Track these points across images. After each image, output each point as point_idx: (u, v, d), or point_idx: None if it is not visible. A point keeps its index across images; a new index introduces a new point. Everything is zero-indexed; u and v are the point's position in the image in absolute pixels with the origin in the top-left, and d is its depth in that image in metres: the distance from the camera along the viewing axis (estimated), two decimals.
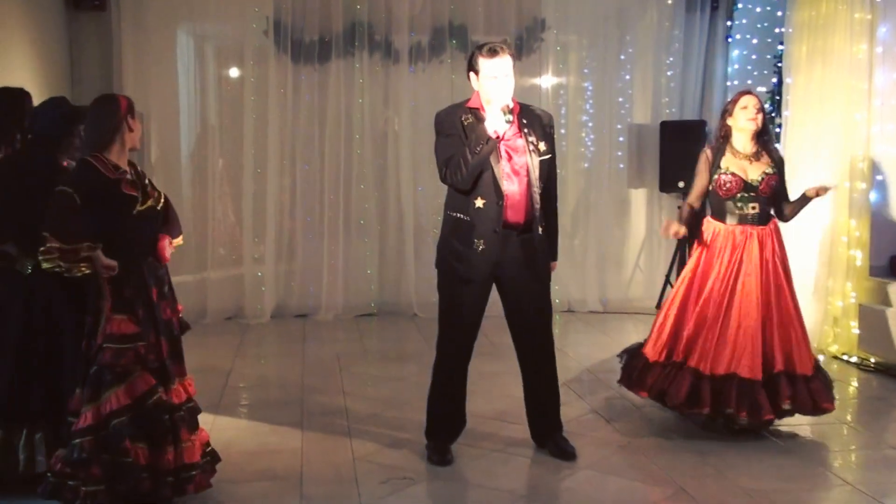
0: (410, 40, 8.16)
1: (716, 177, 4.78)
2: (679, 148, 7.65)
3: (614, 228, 8.69)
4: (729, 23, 8.39)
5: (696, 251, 4.89)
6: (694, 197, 4.93)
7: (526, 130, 4.19)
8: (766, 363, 4.64)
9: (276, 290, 8.18)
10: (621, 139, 8.57)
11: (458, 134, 4.18)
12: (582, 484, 4.16)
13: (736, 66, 8.28)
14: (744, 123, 4.76)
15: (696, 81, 8.51)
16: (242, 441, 4.74)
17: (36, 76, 6.64)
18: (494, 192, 4.15)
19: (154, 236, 3.83)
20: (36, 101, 4.28)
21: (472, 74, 4.24)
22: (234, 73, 8.28)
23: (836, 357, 6.45)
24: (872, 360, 6.19)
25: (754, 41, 8.11)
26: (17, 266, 3.93)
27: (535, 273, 4.30)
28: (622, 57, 8.53)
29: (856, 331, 6.33)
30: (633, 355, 5.01)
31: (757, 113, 4.74)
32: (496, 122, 4.09)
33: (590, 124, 8.58)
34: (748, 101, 4.77)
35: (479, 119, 4.16)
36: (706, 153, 4.87)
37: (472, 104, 4.26)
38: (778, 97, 7.36)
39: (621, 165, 8.59)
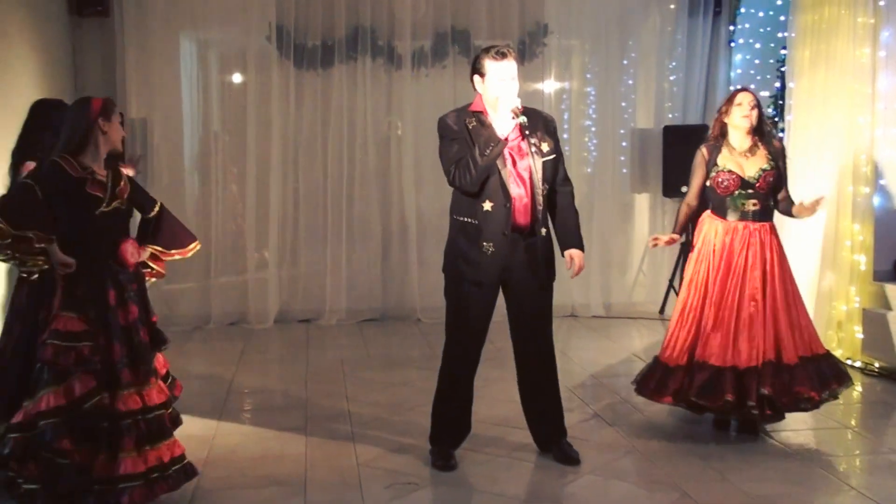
0: (413, 45, 8.17)
1: (713, 174, 4.79)
2: (682, 152, 7.50)
3: (618, 233, 8.69)
4: (732, 27, 8.39)
5: (696, 250, 4.88)
6: (692, 196, 4.94)
7: (528, 133, 4.19)
8: (780, 351, 4.65)
9: (279, 296, 8.18)
10: (624, 144, 8.58)
11: (463, 137, 4.19)
12: (585, 489, 4.16)
13: (739, 71, 8.29)
14: (739, 121, 4.77)
15: (699, 86, 8.51)
16: (246, 446, 4.74)
17: (39, 83, 6.64)
18: (502, 194, 4.16)
19: (118, 239, 3.79)
20: None
21: (476, 78, 4.25)
22: (237, 78, 8.31)
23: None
24: (876, 364, 6.17)
25: (757, 45, 8.12)
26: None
27: (539, 278, 4.30)
28: (625, 61, 8.53)
29: (860, 335, 6.31)
30: (649, 367, 4.95)
31: (751, 109, 4.75)
32: (505, 124, 4.10)
33: (593, 129, 8.58)
34: (743, 98, 4.78)
35: (483, 122, 4.17)
36: (702, 151, 4.88)
37: (475, 108, 4.27)
38: (781, 101, 7.36)
39: (624, 170, 8.60)
